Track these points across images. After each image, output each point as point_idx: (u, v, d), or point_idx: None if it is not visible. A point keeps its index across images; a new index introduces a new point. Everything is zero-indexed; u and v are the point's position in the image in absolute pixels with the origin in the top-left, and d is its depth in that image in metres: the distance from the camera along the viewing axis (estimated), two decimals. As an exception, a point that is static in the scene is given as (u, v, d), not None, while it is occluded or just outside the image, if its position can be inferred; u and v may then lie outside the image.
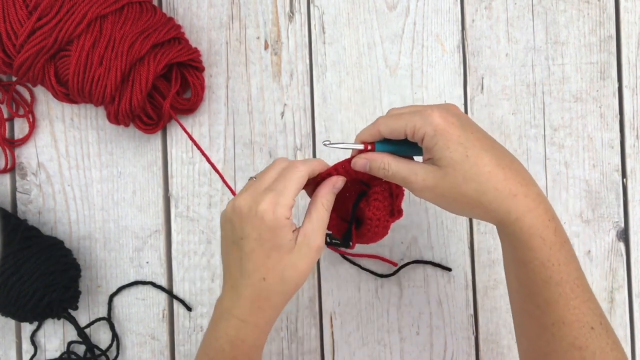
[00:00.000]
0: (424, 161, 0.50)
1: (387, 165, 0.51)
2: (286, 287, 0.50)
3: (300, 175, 0.50)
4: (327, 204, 0.52)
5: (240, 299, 0.50)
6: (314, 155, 0.70)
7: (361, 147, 0.53)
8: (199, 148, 0.65)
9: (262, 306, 0.50)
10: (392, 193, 0.55)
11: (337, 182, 0.53)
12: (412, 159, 0.52)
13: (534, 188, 0.48)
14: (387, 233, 0.56)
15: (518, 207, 0.47)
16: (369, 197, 0.55)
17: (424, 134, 0.48)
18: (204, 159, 0.70)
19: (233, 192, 0.66)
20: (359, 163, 0.52)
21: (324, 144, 0.54)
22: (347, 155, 0.55)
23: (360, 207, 0.55)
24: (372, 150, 0.53)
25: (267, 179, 0.51)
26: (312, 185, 0.54)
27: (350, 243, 0.56)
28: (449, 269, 0.68)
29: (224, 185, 0.70)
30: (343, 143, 0.55)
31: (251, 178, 0.53)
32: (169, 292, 0.70)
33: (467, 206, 0.48)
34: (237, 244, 0.50)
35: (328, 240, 0.67)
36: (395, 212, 0.56)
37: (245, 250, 0.49)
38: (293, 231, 0.50)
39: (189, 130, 0.70)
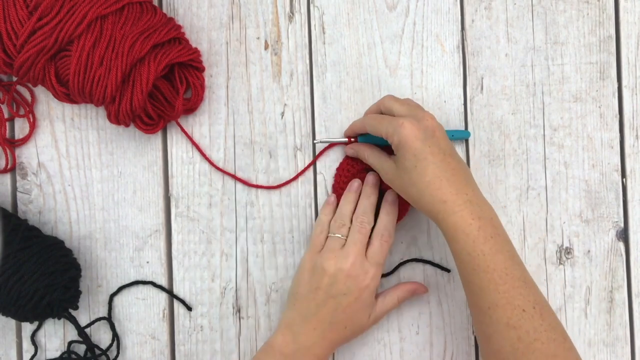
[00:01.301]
0: (392, 156, 0.62)
1: (366, 155, 0.65)
2: (353, 336, 0.65)
3: (387, 250, 0.64)
4: (401, 299, 0.67)
5: (324, 340, 0.62)
6: (314, 155, 0.70)
7: (345, 140, 0.68)
8: (198, 149, 0.65)
9: (334, 348, 0.64)
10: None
11: (417, 289, 0.68)
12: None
13: (463, 196, 0.57)
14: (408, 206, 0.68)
15: (446, 210, 0.56)
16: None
17: (392, 141, 0.59)
18: (204, 158, 0.70)
19: (244, 182, 0.70)
20: (349, 152, 0.68)
21: (315, 143, 0.68)
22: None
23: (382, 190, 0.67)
24: (355, 141, 0.68)
25: (358, 241, 0.63)
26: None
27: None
28: (448, 270, 0.69)
29: (224, 185, 0.70)
30: (331, 139, 0.69)
31: (333, 235, 0.65)
32: (169, 292, 0.70)
33: (414, 203, 0.59)
34: (336, 298, 0.61)
35: None
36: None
37: (342, 304, 0.61)
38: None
39: (189, 130, 0.70)
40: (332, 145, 0.69)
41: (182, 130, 0.69)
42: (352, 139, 0.68)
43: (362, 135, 0.68)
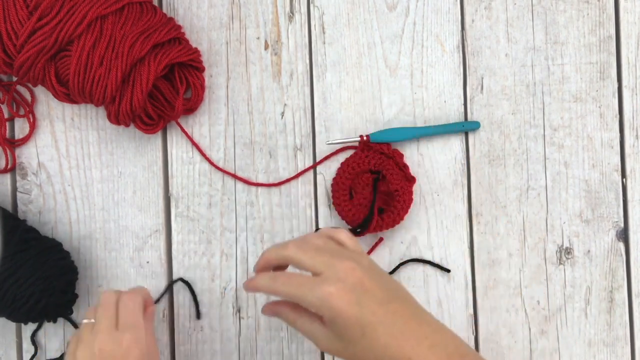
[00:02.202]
0: (325, 321, 0.51)
1: (292, 321, 0.54)
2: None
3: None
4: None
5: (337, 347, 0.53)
6: (314, 154, 0.70)
7: (357, 139, 0.66)
8: (198, 149, 0.65)
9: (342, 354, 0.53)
10: (398, 165, 0.67)
11: (273, 313, 0.56)
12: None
13: (425, 342, 0.50)
14: (412, 200, 0.67)
15: None
16: (384, 176, 0.66)
17: (323, 315, 0.50)
18: (204, 158, 0.70)
19: (244, 180, 0.70)
20: (266, 312, 0.57)
21: (327, 144, 0.67)
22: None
23: (379, 191, 0.66)
24: (368, 140, 0.67)
25: (105, 316, 0.55)
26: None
27: (370, 225, 0.66)
28: (448, 270, 0.69)
29: (224, 185, 0.70)
30: (343, 140, 0.67)
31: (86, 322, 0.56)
32: (192, 293, 0.70)
33: None
34: None
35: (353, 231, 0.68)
36: (410, 178, 0.67)
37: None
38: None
39: (189, 130, 0.70)
40: (339, 150, 0.69)
41: (182, 130, 0.69)
42: (365, 137, 0.67)
43: (377, 133, 0.67)
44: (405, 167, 0.67)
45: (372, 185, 0.67)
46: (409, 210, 0.68)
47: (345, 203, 0.67)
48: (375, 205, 0.66)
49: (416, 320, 0.51)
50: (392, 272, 0.69)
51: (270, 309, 0.56)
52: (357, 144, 0.68)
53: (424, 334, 0.50)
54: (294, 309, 0.54)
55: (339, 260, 0.51)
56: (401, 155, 0.68)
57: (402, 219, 0.67)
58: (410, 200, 0.67)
